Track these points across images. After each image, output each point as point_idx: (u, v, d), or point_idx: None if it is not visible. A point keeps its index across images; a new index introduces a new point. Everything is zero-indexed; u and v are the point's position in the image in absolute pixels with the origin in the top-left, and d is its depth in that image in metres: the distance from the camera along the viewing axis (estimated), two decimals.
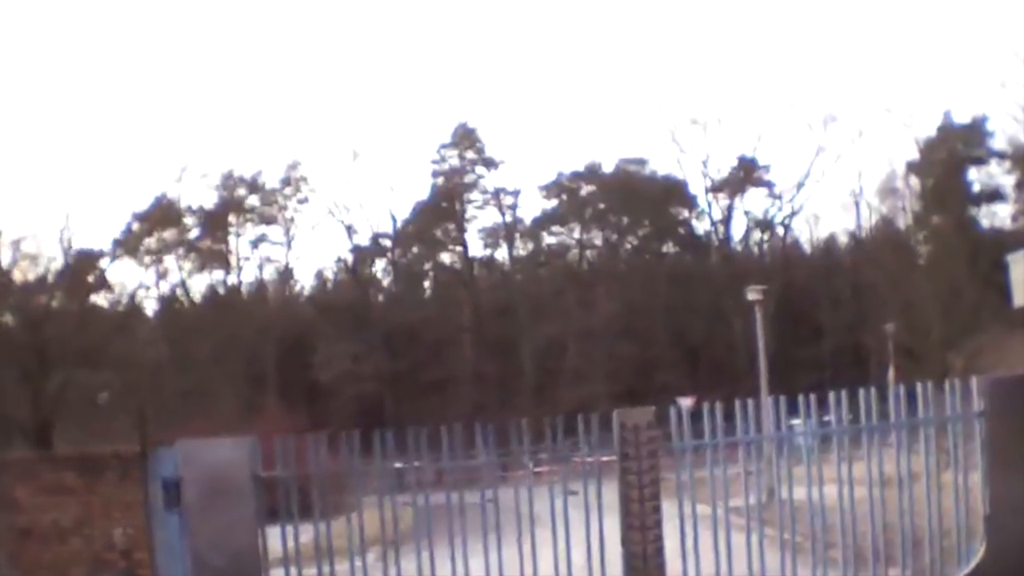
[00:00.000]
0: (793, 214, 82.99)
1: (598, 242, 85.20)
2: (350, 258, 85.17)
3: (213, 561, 12.86)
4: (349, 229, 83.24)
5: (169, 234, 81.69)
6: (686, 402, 37.71)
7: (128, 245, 79.94)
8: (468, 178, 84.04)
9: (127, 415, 56.54)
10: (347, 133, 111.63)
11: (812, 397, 12.90)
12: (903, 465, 13.11)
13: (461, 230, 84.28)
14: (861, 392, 12.84)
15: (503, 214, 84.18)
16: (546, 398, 65.73)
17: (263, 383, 73.97)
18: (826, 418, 13.32)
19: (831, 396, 12.86)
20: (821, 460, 13.32)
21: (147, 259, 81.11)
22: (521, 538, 12.72)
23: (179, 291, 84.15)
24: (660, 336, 75.73)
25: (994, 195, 71.58)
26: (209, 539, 12.88)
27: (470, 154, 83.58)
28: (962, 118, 73.05)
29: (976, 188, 72.50)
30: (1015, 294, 15.72)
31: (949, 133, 72.87)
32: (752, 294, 38.85)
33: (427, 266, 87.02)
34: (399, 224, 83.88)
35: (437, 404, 68.79)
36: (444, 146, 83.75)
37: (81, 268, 74.99)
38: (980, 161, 72.45)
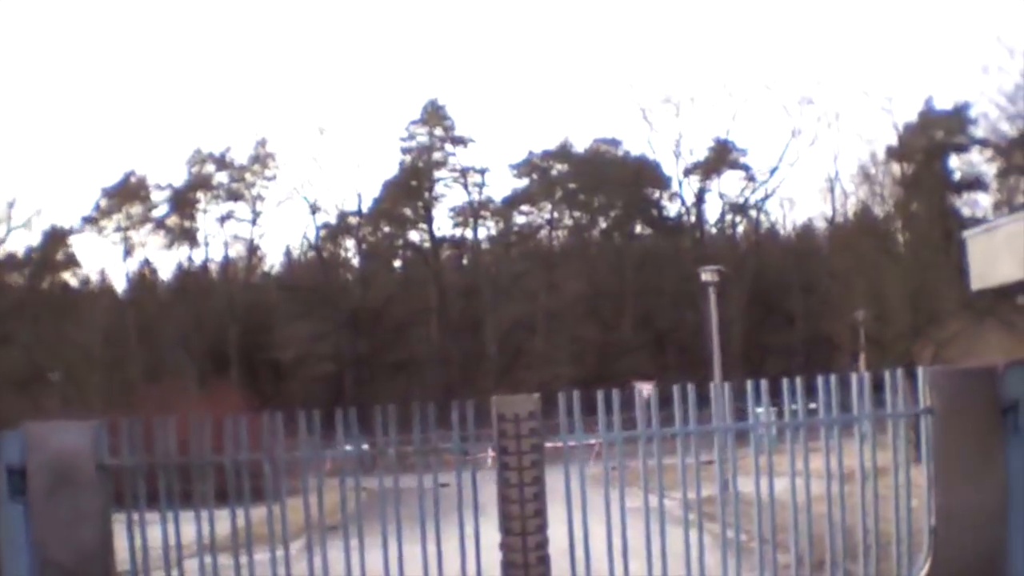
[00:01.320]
0: (766, 197, 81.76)
1: (568, 222, 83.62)
2: (318, 236, 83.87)
3: (57, 557, 11.51)
4: (313, 207, 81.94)
5: (137, 210, 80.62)
6: (646, 387, 36.23)
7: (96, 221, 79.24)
8: (437, 156, 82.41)
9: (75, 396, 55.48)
10: (316, 110, 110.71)
11: (726, 386, 11.19)
12: (834, 466, 11.39)
13: (428, 209, 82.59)
14: (785, 383, 11.09)
15: (468, 193, 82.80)
16: (510, 380, 64.25)
17: (226, 361, 72.71)
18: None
19: (749, 387, 11.09)
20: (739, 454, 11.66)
21: (114, 236, 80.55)
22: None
23: (146, 269, 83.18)
24: (627, 319, 74.56)
25: (975, 183, 70.23)
26: (54, 532, 11.52)
27: (439, 131, 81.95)
28: (944, 104, 71.91)
29: (957, 176, 71.31)
30: (972, 276, 13.92)
31: (930, 119, 71.72)
32: (706, 275, 36.87)
33: (396, 244, 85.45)
34: (367, 202, 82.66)
35: (401, 385, 67.89)
36: (413, 123, 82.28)
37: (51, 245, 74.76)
38: (961, 149, 71.17)
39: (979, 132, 67.10)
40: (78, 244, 79.85)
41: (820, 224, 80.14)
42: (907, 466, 11.44)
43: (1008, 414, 11.42)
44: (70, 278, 79.33)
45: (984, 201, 69.77)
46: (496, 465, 10.94)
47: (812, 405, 11.52)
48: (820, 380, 11.14)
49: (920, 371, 11.53)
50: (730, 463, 11.30)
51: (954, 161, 71.91)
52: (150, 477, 11.56)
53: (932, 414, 11.35)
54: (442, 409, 11.20)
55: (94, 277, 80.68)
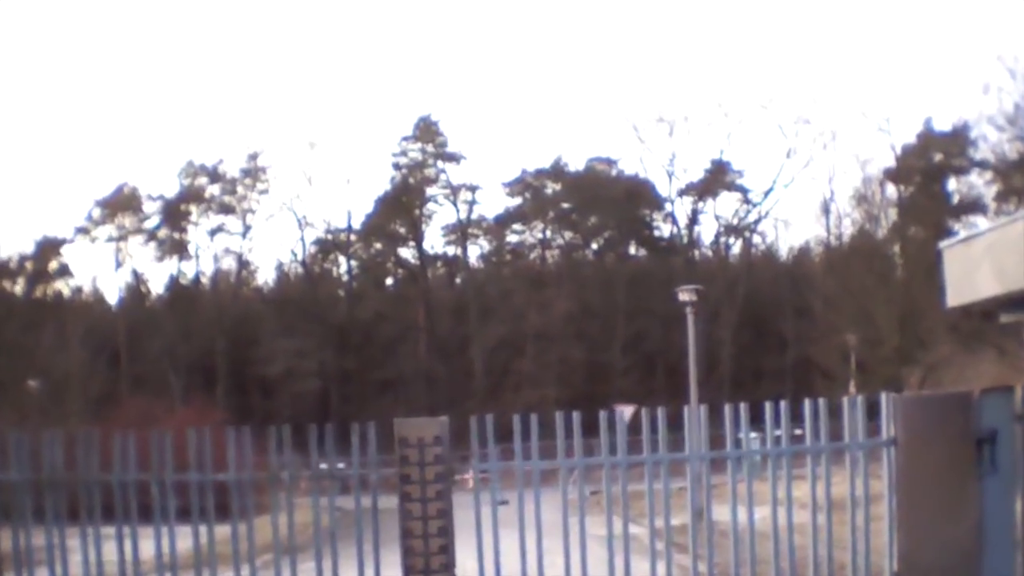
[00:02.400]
0: (760, 219, 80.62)
1: (560, 242, 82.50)
2: (307, 252, 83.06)
3: None
4: (302, 222, 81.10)
5: (129, 221, 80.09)
6: (627, 410, 35.11)
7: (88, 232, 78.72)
8: (429, 172, 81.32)
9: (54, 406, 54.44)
10: (308, 125, 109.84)
11: (662, 412, 10.09)
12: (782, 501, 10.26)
13: (418, 226, 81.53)
14: (728, 409, 9.96)
15: (458, 210, 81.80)
16: (497, 401, 63.14)
17: (213, 375, 71.99)
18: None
19: (686, 412, 10.01)
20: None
21: (107, 246, 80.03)
22: None
23: (137, 280, 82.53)
24: (617, 341, 73.28)
25: (973, 206, 69.07)
26: None
27: (431, 148, 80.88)
28: (943, 126, 70.89)
29: (955, 199, 70.27)
30: (948, 292, 12.78)
31: (929, 141, 70.79)
32: (684, 295, 35.51)
33: (387, 261, 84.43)
34: (357, 218, 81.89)
35: (387, 403, 66.65)
36: (405, 139, 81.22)
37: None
38: (960, 171, 70.15)
39: (979, 154, 66.02)
40: (71, 254, 79.08)
41: (816, 246, 79.15)
42: (867, 501, 10.31)
43: (983, 445, 10.29)
44: (63, 287, 78.93)
45: (983, 224, 68.53)
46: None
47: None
48: (768, 407, 10.02)
49: (883, 398, 10.42)
50: (663, 494, 10.18)
51: (953, 183, 71.00)
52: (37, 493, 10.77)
53: (895, 445, 10.25)
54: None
55: (87, 287, 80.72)
